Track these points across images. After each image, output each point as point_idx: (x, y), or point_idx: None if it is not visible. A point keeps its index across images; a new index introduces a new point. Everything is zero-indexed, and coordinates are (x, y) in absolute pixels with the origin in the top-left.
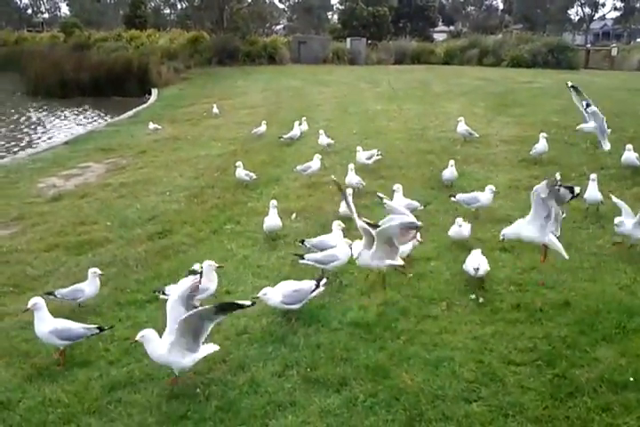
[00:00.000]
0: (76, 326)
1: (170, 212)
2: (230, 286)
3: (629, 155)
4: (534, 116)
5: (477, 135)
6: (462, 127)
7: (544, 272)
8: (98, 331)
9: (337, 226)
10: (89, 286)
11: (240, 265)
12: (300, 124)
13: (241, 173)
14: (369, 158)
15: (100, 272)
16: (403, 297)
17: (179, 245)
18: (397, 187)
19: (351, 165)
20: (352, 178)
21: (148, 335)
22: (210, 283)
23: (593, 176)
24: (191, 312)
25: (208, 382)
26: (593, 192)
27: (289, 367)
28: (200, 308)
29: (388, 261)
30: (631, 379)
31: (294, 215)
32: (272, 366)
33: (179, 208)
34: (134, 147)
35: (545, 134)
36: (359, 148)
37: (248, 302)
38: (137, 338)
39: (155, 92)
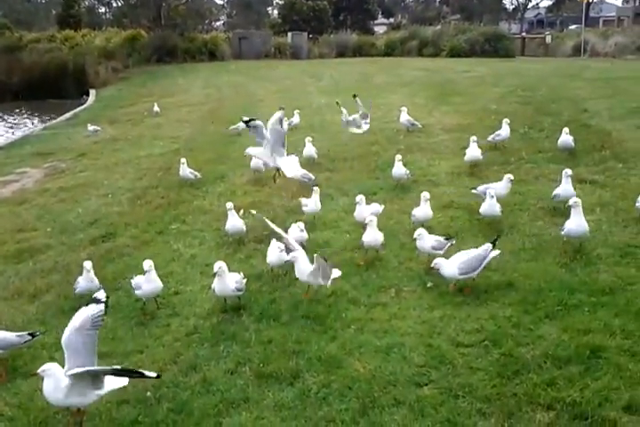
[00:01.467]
0: (10, 335)
1: (112, 214)
2: (179, 285)
3: (566, 138)
4: (473, 104)
5: (420, 125)
6: (404, 117)
7: None
8: (30, 337)
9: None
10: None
11: (187, 265)
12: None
13: (185, 170)
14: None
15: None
16: (352, 287)
17: (123, 248)
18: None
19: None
20: (297, 171)
21: (50, 370)
22: (148, 284)
23: (568, 172)
24: (87, 369)
25: (159, 385)
26: (567, 188)
27: (241, 364)
28: (97, 368)
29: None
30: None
31: (242, 211)
32: (224, 364)
33: (122, 210)
34: (73, 150)
35: (508, 120)
36: (309, 138)
37: (153, 374)
38: (38, 372)
39: (92, 92)
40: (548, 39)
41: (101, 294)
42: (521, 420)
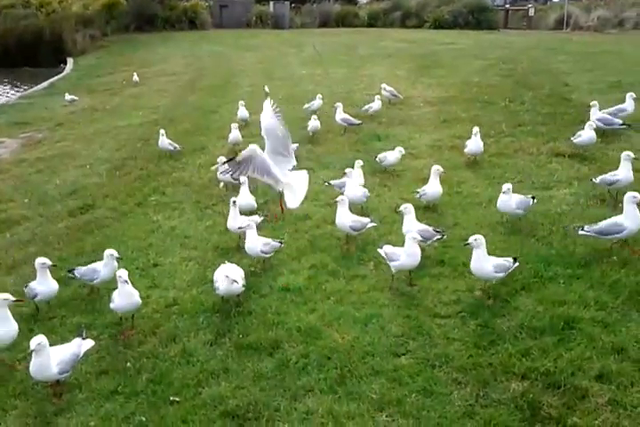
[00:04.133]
0: None
1: (91, 185)
2: (158, 257)
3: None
4: (456, 76)
5: (401, 96)
6: (387, 89)
7: (467, 228)
8: None
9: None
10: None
11: (167, 237)
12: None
13: (164, 141)
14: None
15: (117, 255)
16: (332, 259)
17: (102, 220)
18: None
19: (234, 125)
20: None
21: (43, 343)
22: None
23: (627, 154)
24: None
25: (138, 356)
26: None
27: (221, 335)
28: None
29: None
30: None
31: (222, 184)
32: (203, 335)
33: (100, 181)
34: (50, 120)
35: (633, 95)
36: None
37: None
38: (32, 347)
39: (70, 61)
40: (531, 11)
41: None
42: (496, 389)
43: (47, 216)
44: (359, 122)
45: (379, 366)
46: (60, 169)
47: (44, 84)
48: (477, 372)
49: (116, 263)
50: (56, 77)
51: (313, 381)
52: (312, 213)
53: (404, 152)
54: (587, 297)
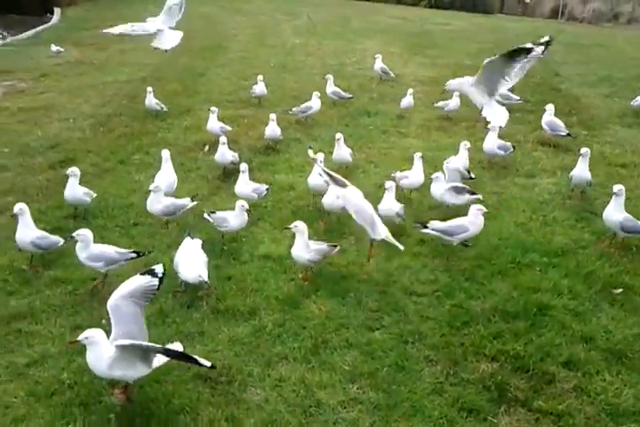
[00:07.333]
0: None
1: (74, 140)
2: (139, 217)
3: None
4: (449, 57)
5: (393, 75)
6: (379, 65)
7: (445, 211)
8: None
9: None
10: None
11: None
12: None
13: (151, 100)
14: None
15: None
16: (314, 231)
17: (83, 175)
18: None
19: (272, 116)
20: (274, 129)
21: (93, 337)
22: None
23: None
24: (134, 343)
25: None
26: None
27: (198, 298)
28: (148, 344)
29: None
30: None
31: (207, 147)
32: (181, 297)
33: (83, 136)
34: (34, 70)
35: None
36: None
37: (207, 363)
38: (79, 339)
39: (57, 11)
40: None
41: (159, 268)
42: (466, 369)
43: (27, 167)
44: (350, 96)
45: (353, 339)
46: (42, 121)
47: (30, 32)
48: (449, 351)
49: (246, 215)
50: (42, 27)
51: (287, 349)
52: (297, 184)
53: None
54: (561, 286)
